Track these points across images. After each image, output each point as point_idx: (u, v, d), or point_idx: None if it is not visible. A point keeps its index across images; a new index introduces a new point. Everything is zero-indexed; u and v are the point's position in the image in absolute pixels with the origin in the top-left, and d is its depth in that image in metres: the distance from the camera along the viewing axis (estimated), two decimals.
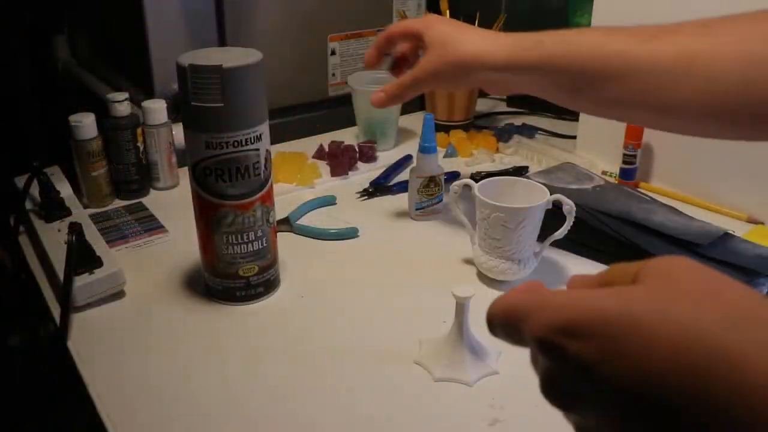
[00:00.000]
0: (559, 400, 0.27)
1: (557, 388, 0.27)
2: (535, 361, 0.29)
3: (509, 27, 1.24)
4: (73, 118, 0.81)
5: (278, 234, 0.69)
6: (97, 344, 0.61)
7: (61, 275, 0.64)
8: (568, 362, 0.25)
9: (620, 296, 0.26)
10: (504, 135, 1.08)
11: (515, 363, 0.58)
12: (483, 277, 0.71)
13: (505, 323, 0.29)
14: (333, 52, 1.11)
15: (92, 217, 0.81)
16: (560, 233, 0.69)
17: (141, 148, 0.88)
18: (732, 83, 0.53)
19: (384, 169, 0.97)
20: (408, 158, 1.00)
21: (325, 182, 0.94)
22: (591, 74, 0.58)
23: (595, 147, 0.99)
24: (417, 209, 0.82)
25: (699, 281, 0.26)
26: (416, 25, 0.71)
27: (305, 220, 0.83)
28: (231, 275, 0.65)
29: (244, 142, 0.59)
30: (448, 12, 1.08)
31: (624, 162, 0.90)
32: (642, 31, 0.59)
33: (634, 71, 0.56)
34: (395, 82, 0.73)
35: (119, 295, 0.67)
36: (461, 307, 0.56)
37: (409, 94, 0.72)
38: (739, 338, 0.23)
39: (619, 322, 0.25)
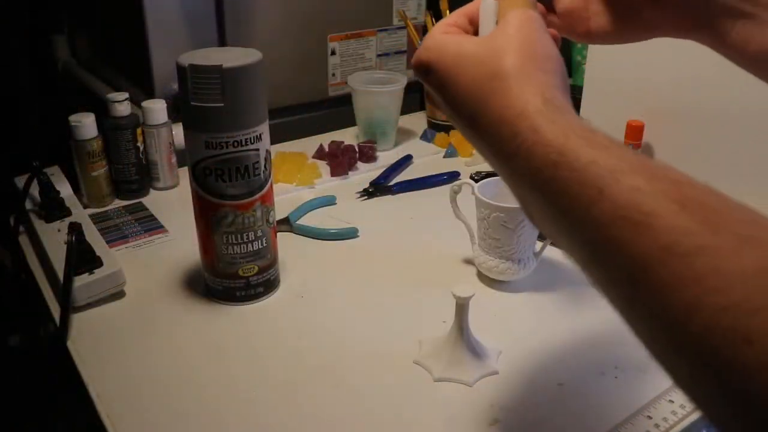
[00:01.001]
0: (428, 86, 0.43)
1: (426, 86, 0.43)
2: None
3: None
4: (73, 118, 0.81)
5: (278, 234, 0.69)
6: (97, 344, 0.61)
7: (61, 275, 0.64)
8: (426, 84, 0.42)
9: (458, 45, 0.41)
10: None
11: (515, 363, 0.58)
12: (483, 277, 0.71)
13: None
14: (333, 52, 1.11)
15: (92, 217, 0.81)
16: None
17: (141, 148, 0.88)
18: None
19: (384, 169, 0.97)
20: (408, 158, 1.00)
21: (325, 182, 0.94)
22: None
23: None
24: None
25: (523, 34, 0.40)
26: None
27: (305, 220, 0.83)
28: (231, 275, 0.65)
29: (244, 142, 0.59)
30: (448, 12, 1.08)
31: None
32: None
33: None
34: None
35: (119, 295, 0.67)
36: (461, 307, 0.56)
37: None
38: (494, 87, 0.38)
39: (448, 66, 0.40)
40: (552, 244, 0.70)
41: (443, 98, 0.42)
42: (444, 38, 0.42)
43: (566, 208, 0.33)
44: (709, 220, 0.30)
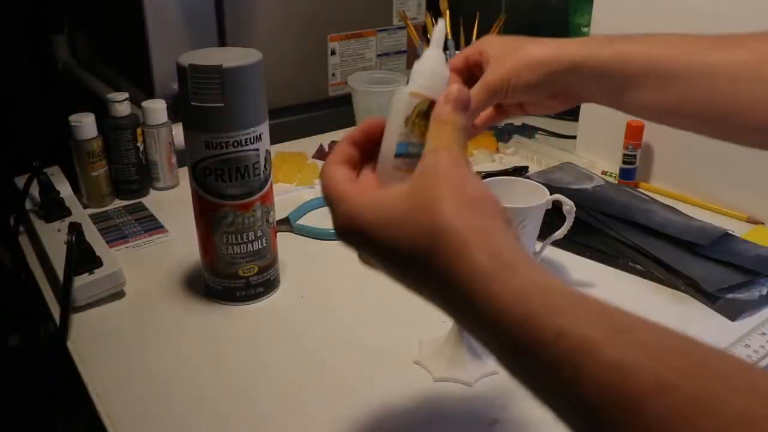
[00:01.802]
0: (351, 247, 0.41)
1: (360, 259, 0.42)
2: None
3: (509, 27, 1.24)
4: (73, 118, 0.81)
5: (278, 234, 0.69)
6: (97, 344, 0.61)
7: (61, 275, 0.64)
8: (356, 251, 0.40)
9: (382, 203, 0.38)
10: (504, 135, 1.08)
11: None
12: None
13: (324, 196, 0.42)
14: (333, 52, 1.11)
15: (92, 217, 0.81)
16: (560, 233, 0.69)
17: (141, 148, 0.88)
18: None
19: None
20: None
21: None
22: (657, 73, 0.56)
23: (595, 147, 0.99)
24: (399, 154, 0.41)
25: (451, 178, 0.36)
26: (475, 47, 0.65)
27: (305, 220, 0.83)
28: (231, 275, 0.65)
29: (244, 142, 0.59)
30: (448, 12, 1.08)
31: (624, 162, 0.90)
32: (712, 38, 0.56)
33: (702, 73, 0.54)
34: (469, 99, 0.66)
35: (119, 295, 0.67)
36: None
37: (485, 106, 0.64)
38: (462, 224, 0.34)
39: (379, 232, 0.37)
40: (552, 244, 0.70)
41: (383, 262, 0.39)
42: (362, 199, 0.39)
43: (541, 387, 0.31)
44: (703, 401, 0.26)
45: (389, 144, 0.41)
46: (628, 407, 0.26)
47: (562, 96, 0.61)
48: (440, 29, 0.42)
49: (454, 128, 0.39)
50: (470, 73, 0.65)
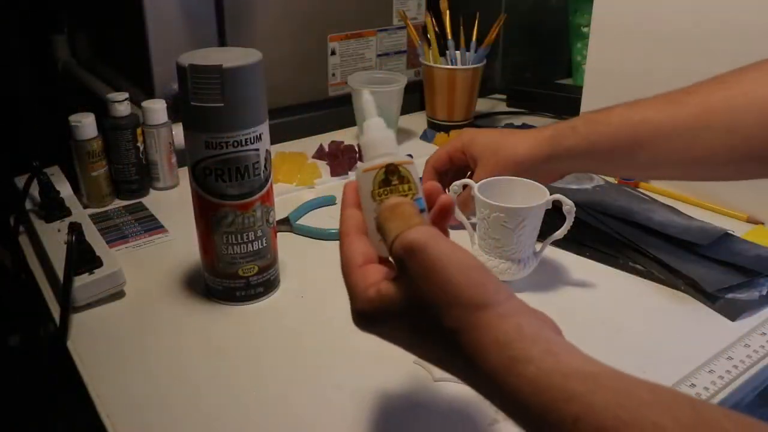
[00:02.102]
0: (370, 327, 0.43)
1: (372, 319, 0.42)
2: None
3: (509, 27, 1.25)
4: (73, 118, 0.81)
5: (278, 234, 0.69)
6: (97, 344, 0.61)
7: (61, 275, 0.64)
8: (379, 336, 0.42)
9: (388, 307, 0.40)
10: None
11: None
12: None
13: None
14: (333, 52, 1.11)
15: (92, 217, 0.81)
16: (560, 233, 0.69)
17: (141, 148, 0.88)
18: (751, 127, 0.59)
19: None
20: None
21: (325, 182, 0.94)
22: (623, 146, 0.65)
23: None
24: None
25: (432, 278, 0.37)
26: (456, 144, 0.75)
27: (305, 220, 0.83)
28: (231, 275, 0.65)
29: (244, 142, 0.59)
30: (448, 12, 1.08)
31: None
32: (661, 99, 0.66)
33: (660, 136, 0.63)
34: (458, 203, 0.72)
35: (119, 295, 0.67)
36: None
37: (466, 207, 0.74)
38: (467, 324, 0.36)
39: (390, 327, 0.41)
40: (552, 244, 0.70)
41: (406, 346, 0.42)
42: (365, 297, 0.41)
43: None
44: None
45: (369, 223, 0.42)
46: None
47: (548, 176, 0.71)
48: (368, 99, 0.45)
49: (401, 208, 0.40)
50: (451, 163, 0.77)
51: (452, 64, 1.08)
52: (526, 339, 0.35)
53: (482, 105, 1.24)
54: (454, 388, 0.56)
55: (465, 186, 0.71)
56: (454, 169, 0.77)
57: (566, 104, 1.16)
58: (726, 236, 0.74)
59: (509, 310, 0.36)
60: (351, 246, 0.42)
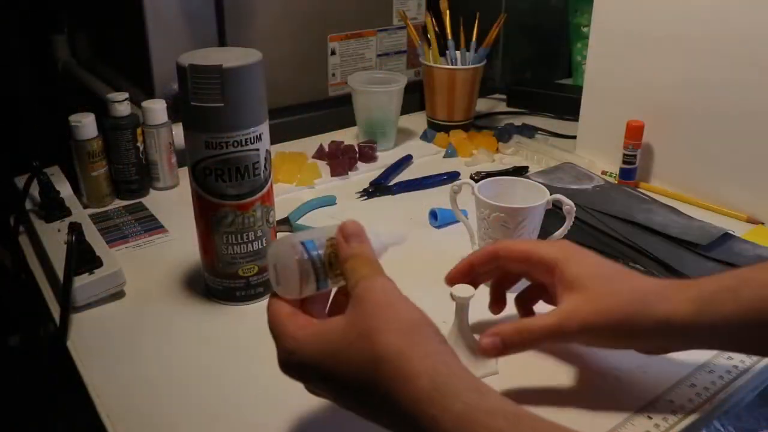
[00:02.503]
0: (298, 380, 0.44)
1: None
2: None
3: (509, 27, 1.25)
4: (73, 118, 0.81)
5: (278, 234, 0.69)
6: (97, 344, 0.61)
7: (61, 275, 0.64)
8: (298, 377, 0.43)
9: (323, 337, 0.41)
10: (504, 135, 1.08)
11: (515, 363, 0.58)
12: None
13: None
14: (333, 52, 1.11)
15: (92, 217, 0.81)
16: (560, 233, 0.69)
17: (141, 148, 0.88)
18: None
19: (384, 169, 0.97)
20: (408, 158, 1.00)
21: (325, 182, 0.94)
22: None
23: (595, 147, 0.99)
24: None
25: (384, 306, 0.40)
26: (548, 253, 0.52)
27: (305, 220, 0.83)
28: (231, 275, 0.65)
29: (244, 142, 0.59)
30: (448, 12, 1.08)
31: (624, 162, 0.90)
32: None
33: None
34: (519, 327, 0.50)
35: (119, 295, 0.67)
36: (461, 307, 0.55)
37: (537, 346, 0.53)
38: (400, 352, 0.37)
39: (324, 364, 0.40)
40: None
41: (331, 393, 0.42)
42: (304, 333, 0.42)
43: None
44: None
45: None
46: None
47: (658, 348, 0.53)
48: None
49: (365, 257, 0.43)
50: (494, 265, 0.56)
51: (452, 64, 1.08)
52: (454, 375, 0.37)
53: (482, 105, 1.24)
54: None
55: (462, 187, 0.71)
56: (495, 273, 0.58)
57: (566, 104, 1.16)
58: (726, 236, 0.74)
59: (441, 350, 0.39)
60: (276, 303, 0.45)
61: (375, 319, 0.39)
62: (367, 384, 0.38)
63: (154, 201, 0.88)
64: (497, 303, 0.59)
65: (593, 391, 0.54)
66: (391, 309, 0.40)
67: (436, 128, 1.10)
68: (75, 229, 0.65)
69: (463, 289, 0.55)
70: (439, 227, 0.81)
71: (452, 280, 0.56)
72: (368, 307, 0.40)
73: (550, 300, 0.56)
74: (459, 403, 0.35)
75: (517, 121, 1.16)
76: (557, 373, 0.56)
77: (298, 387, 0.56)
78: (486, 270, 0.56)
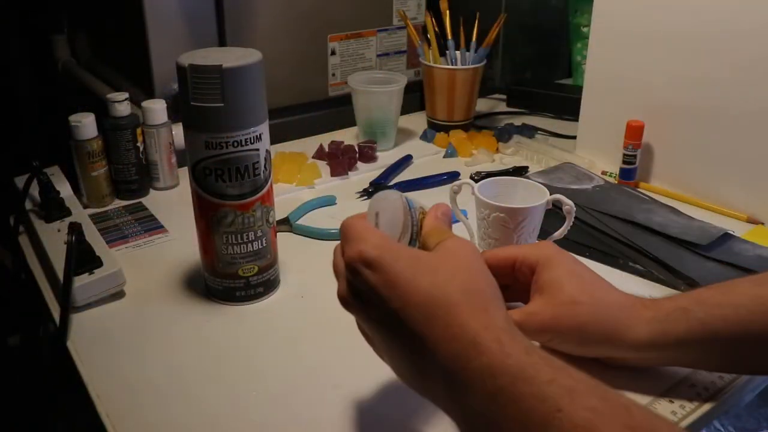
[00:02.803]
0: (350, 306, 0.42)
1: (351, 297, 0.42)
2: (339, 274, 0.44)
3: (509, 26, 1.25)
4: (73, 118, 0.81)
5: (278, 234, 0.69)
6: (97, 344, 0.61)
7: (61, 275, 0.64)
8: (361, 282, 0.40)
9: (410, 263, 0.40)
10: (504, 135, 1.08)
11: None
12: None
13: (340, 237, 0.43)
14: (333, 52, 1.11)
15: (92, 217, 0.81)
16: (560, 233, 0.69)
17: (141, 148, 0.88)
18: None
19: (384, 169, 0.97)
20: (408, 158, 1.00)
21: (325, 182, 0.94)
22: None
23: (595, 147, 0.99)
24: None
25: (471, 258, 0.42)
26: (531, 254, 0.54)
27: (305, 220, 0.83)
28: (231, 275, 0.65)
29: (244, 142, 0.59)
30: (448, 12, 1.08)
31: (624, 162, 0.90)
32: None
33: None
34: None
35: (119, 295, 0.67)
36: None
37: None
38: (460, 299, 0.38)
39: (400, 272, 0.39)
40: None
41: (388, 302, 0.39)
42: (393, 242, 0.42)
43: (524, 424, 0.33)
44: None
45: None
46: None
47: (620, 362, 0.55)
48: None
49: (449, 231, 0.46)
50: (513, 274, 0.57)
51: (452, 64, 1.08)
52: (516, 329, 0.39)
53: (482, 105, 1.24)
54: None
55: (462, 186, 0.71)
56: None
57: (566, 104, 1.16)
58: (726, 236, 0.74)
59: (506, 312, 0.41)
60: (358, 217, 0.45)
61: (465, 260, 0.41)
62: (441, 303, 0.38)
63: (154, 201, 0.88)
64: None
65: None
66: (478, 267, 0.41)
67: (436, 128, 1.10)
68: (75, 229, 0.65)
69: None
70: None
71: None
72: (459, 251, 0.41)
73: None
74: (523, 337, 0.37)
75: (517, 121, 1.16)
76: None
77: (297, 387, 0.56)
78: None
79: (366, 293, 0.40)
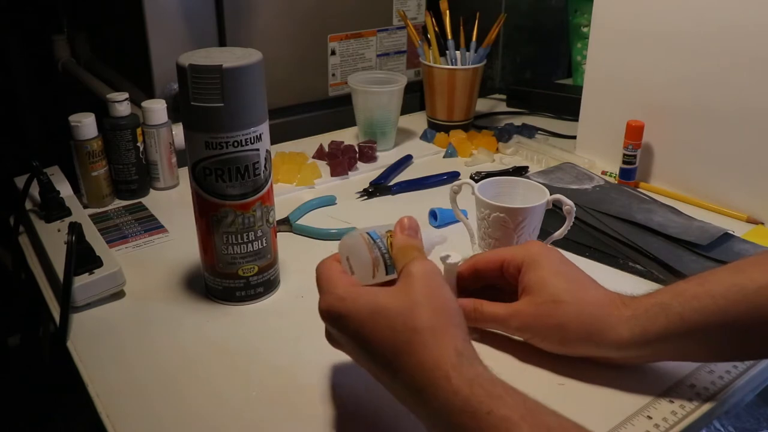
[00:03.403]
0: (331, 341, 0.51)
1: (330, 337, 0.51)
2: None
3: (509, 27, 1.25)
4: (73, 118, 0.81)
5: (278, 234, 0.69)
6: (97, 344, 0.61)
7: (61, 275, 0.64)
8: (334, 331, 0.49)
9: (373, 297, 0.46)
10: (504, 135, 1.08)
11: (515, 363, 0.58)
12: None
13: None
14: (333, 52, 1.11)
15: (92, 217, 0.81)
16: (560, 233, 0.69)
17: (141, 148, 0.88)
18: None
19: (384, 169, 0.97)
20: (408, 158, 1.00)
21: (325, 182, 0.94)
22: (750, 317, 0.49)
23: (595, 147, 0.99)
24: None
25: (427, 288, 0.46)
26: (519, 254, 0.56)
27: (305, 220, 0.83)
28: (231, 275, 0.65)
29: (244, 142, 0.59)
30: (448, 12, 1.08)
31: (624, 162, 0.90)
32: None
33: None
34: (476, 306, 0.57)
35: (119, 295, 0.67)
36: (449, 273, 0.57)
37: (485, 327, 0.58)
38: (415, 340, 0.43)
39: (365, 318, 0.45)
40: (552, 244, 0.70)
41: (356, 344, 0.46)
42: (356, 289, 0.47)
43: None
44: None
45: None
46: None
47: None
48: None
49: (417, 246, 0.49)
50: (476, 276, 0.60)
51: (452, 64, 1.08)
52: (474, 354, 0.44)
53: (482, 105, 1.24)
54: None
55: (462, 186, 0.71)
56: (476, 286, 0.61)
57: (566, 104, 1.16)
58: (726, 236, 0.74)
59: (467, 341, 0.45)
60: (329, 261, 0.52)
61: (420, 297, 0.45)
62: (398, 347, 0.43)
63: (154, 201, 0.88)
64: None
65: (592, 391, 0.54)
66: (436, 291, 0.45)
67: (436, 128, 1.10)
68: (75, 229, 0.65)
69: (451, 256, 0.57)
70: (438, 227, 0.81)
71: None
72: (416, 284, 0.45)
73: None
74: (472, 370, 0.41)
75: (517, 121, 1.16)
76: (557, 373, 0.56)
77: (297, 387, 0.56)
78: (468, 286, 0.60)
79: (340, 338, 0.49)
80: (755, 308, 0.48)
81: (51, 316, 0.66)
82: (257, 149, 0.61)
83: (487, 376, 0.41)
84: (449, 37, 1.08)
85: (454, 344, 0.43)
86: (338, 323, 0.47)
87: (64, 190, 0.80)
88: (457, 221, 0.74)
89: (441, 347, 0.42)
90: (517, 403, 0.40)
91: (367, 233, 0.52)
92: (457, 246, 0.75)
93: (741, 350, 0.52)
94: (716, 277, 0.51)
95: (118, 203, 0.87)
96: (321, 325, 0.64)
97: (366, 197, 0.90)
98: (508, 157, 1.02)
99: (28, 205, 0.80)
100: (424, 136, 1.10)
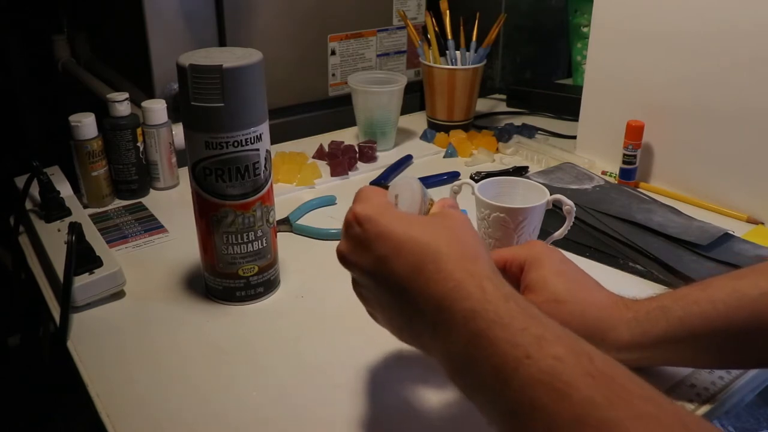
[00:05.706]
0: (345, 260, 0.45)
1: (347, 250, 0.45)
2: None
3: (509, 27, 1.25)
4: (73, 118, 0.81)
5: (278, 234, 0.69)
6: (97, 344, 0.61)
7: (61, 275, 0.64)
8: (354, 235, 0.44)
9: (402, 219, 0.43)
10: (504, 135, 1.08)
11: None
12: None
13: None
14: (333, 52, 1.11)
15: (92, 217, 0.81)
16: (560, 233, 0.69)
17: (141, 148, 0.88)
18: None
19: (384, 169, 0.97)
20: (408, 158, 1.00)
21: (325, 182, 0.94)
22: (748, 323, 0.49)
23: (595, 147, 0.99)
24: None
25: (464, 221, 0.45)
26: (520, 254, 0.56)
27: (305, 220, 0.83)
28: (231, 275, 0.65)
29: (244, 142, 0.59)
30: (448, 12, 1.08)
31: (624, 162, 0.90)
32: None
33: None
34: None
35: (119, 295, 0.67)
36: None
37: None
38: (448, 250, 0.41)
39: (391, 225, 0.42)
40: (552, 244, 0.70)
41: (383, 254, 0.42)
42: (392, 210, 0.45)
43: (496, 367, 0.36)
44: (614, 395, 0.33)
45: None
46: (560, 391, 0.34)
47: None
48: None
49: (454, 207, 0.49)
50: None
51: (452, 64, 1.08)
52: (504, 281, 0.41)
53: (482, 105, 1.24)
54: (455, 388, 0.55)
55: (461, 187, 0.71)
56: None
57: (566, 104, 1.16)
58: (726, 236, 0.74)
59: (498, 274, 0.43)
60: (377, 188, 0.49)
61: (457, 222, 0.44)
62: (428, 255, 0.41)
63: (154, 201, 0.88)
64: None
65: None
66: (467, 226, 0.44)
67: (436, 128, 1.10)
68: (75, 229, 0.65)
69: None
70: None
71: None
72: (454, 215, 0.45)
73: None
74: (507, 287, 0.40)
75: (517, 121, 1.16)
76: None
77: (297, 386, 0.56)
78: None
79: (359, 244, 0.44)
80: (756, 315, 0.48)
81: (51, 316, 0.66)
82: (257, 149, 0.61)
83: (522, 297, 0.40)
84: (449, 37, 1.08)
85: (489, 264, 0.41)
86: (364, 224, 0.43)
87: (64, 190, 0.80)
88: None
89: (475, 261, 0.41)
90: (554, 326, 0.38)
91: (421, 186, 0.51)
92: None
93: (741, 357, 0.51)
94: (718, 283, 0.50)
95: (118, 203, 0.87)
96: (321, 326, 0.64)
97: None
98: (508, 157, 1.02)
99: (28, 205, 0.80)
100: (424, 136, 1.10)
